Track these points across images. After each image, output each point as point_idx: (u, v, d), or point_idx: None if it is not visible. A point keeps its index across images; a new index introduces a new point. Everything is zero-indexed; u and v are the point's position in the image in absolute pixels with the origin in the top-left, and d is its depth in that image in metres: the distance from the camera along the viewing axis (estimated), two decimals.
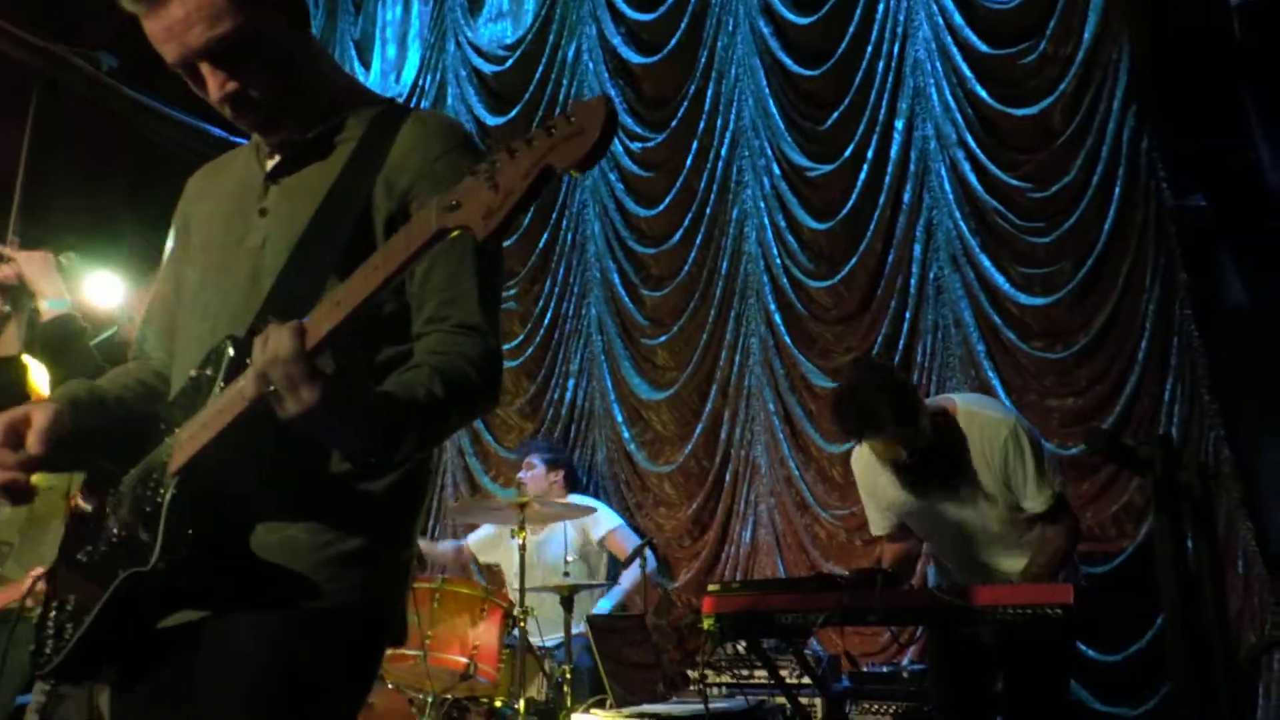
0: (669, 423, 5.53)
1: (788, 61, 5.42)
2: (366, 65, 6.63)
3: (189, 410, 1.42)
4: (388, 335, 1.53)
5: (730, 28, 5.60)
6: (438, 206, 1.18)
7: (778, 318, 5.29)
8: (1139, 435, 4.32)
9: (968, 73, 4.96)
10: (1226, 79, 4.31)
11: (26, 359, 3.30)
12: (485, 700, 3.96)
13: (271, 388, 1.25)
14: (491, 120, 6.19)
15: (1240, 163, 4.32)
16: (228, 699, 1.39)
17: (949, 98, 4.99)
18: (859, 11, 5.24)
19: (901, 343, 4.97)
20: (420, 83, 6.45)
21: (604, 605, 4.70)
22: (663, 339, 5.60)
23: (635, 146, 5.75)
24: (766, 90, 5.44)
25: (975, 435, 3.22)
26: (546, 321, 5.89)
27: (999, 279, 4.80)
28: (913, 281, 4.99)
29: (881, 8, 5.19)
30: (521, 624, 3.91)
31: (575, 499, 5.07)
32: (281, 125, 1.58)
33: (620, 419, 5.61)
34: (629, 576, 4.80)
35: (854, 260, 5.14)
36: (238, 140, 1.82)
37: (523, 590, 3.99)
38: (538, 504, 4.18)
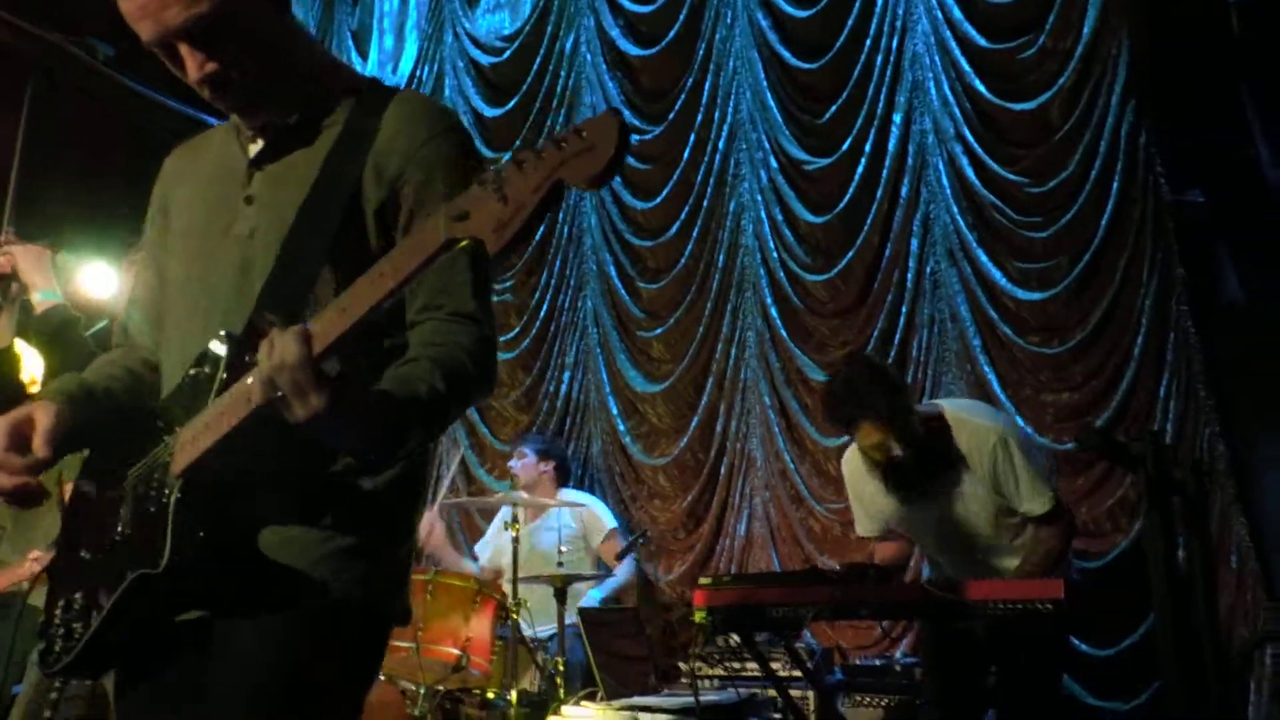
0: (664, 415, 5.53)
1: (786, 54, 5.41)
2: (364, 56, 6.62)
3: (189, 409, 1.41)
4: (385, 327, 1.51)
5: (729, 20, 5.59)
6: (446, 215, 1.17)
7: (774, 311, 5.29)
8: (1134, 431, 4.32)
9: (966, 67, 4.95)
10: (1225, 75, 4.30)
11: (19, 348, 3.30)
12: (478, 692, 3.96)
13: (279, 393, 1.25)
14: (489, 111, 6.18)
15: (1238, 158, 4.31)
16: (234, 699, 1.39)
17: (947, 92, 4.98)
18: (858, 5, 5.23)
19: (898, 337, 4.97)
20: (418, 74, 6.44)
21: (594, 596, 4.70)
22: (659, 331, 5.59)
23: (632, 139, 5.71)
24: (764, 83, 5.43)
25: (964, 442, 3.21)
26: (543, 314, 5.88)
27: (995, 274, 4.80)
28: (909, 276, 4.99)
29: (880, 1, 5.18)
30: (514, 616, 3.91)
31: (576, 496, 5.07)
32: (262, 108, 1.55)
33: (616, 411, 5.61)
34: (624, 570, 4.80)
35: (851, 254, 5.13)
36: None
37: (515, 582, 3.99)
38: (526, 493, 4.18)
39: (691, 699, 3.38)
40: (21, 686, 3.42)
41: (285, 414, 1.26)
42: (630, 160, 5.75)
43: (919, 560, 3.87)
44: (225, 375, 1.38)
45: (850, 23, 5.23)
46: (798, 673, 3.68)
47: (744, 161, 5.48)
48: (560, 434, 5.67)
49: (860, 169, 5.14)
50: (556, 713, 3.61)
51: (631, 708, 3.40)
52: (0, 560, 3.91)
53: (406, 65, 6.51)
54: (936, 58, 5.03)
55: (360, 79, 1.67)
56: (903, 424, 3.15)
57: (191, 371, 1.45)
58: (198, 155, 1.70)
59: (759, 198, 5.40)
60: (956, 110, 4.95)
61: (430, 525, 4.62)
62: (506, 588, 4.12)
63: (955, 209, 4.91)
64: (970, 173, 4.89)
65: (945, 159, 4.97)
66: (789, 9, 5.41)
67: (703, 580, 3.29)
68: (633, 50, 5.84)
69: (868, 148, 5.13)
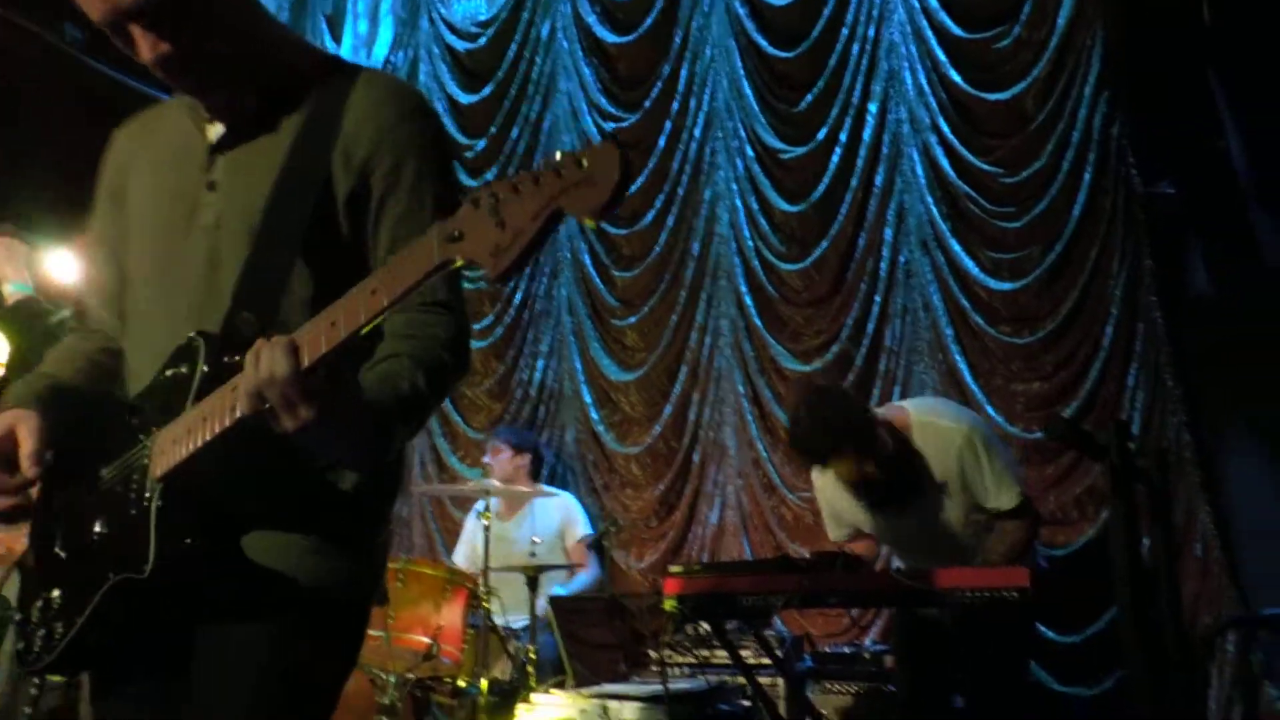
0: (637, 404, 5.52)
1: (763, 43, 5.40)
2: (338, 40, 6.55)
3: (165, 409, 1.39)
4: None
5: (706, 8, 5.57)
6: (439, 236, 1.15)
7: (748, 300, 5.29)
8: (1103, 420, 4.36)
9: (942, 57, 4.96)
10: (1196, 66, 4.32)
11: None
12: (448, 680, 3.95)
13: (267, 405, 1.24)
14: (464, 98, 6.14)
15: (1209, 150, 4.34)
16: (223, 703, 1.38)
17: (923, 81, 5.00)
18: None
19: (871, 326, 4.98)
20: (392, 59, 6.38)
21: (559, 592, 4.68)
22: (633, 320, 5.58)
23: (608, 126, 5.72)
24: (741, 71, 5.42)
25: (931, 444, 3.22)
26: (516, 302, 5.86)
27: (968, 263, 4.82)
28: (883, 265, 5.00)
29: None
30: (485, 604, 3.90)
31: (557, 494, 5.07)
32: (219, 89, 1.50)
33: (589, 400, 5.60)
34: (590, 572, 4.85)
35: (825, 243, 5.14)
36: None
37: (486, 570, 3.98)
38: (502, 484, 4.17)
39: (660, 687, 3.38)
40: None
41: (273, 425, 1.25)
42: None
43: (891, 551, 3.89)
44: (203, 376, 1.36)
45: (827, 11, 5.23)
46: (767, 660, 3.69)
47: (719, 150, 5.47)
48: (533, 423, 5.66)
49: (835, 158, 5.15)
50: (526, 700, 3.60)
51: (600, 695, 3.40)
52: None
53: (381, 51, 6.45)
54: (913, 47, 5.04)
55: (326, 59, 1.62)
56: (871, 446, 3.15)
57: (168, 372, 1.42)
58: (152, 133, 1.64)
59: (734, 186, 5.40)
60: (932, 100, 4.97)
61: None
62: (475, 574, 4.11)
63: (929, 199, 4.93)
64: (944, 162, 4.91)
65: (920, 149, 4.98)
66: None
67: (673, 569, 3.28)
68: (609, 37, 5.81)
69: (843, 137, 5.14)
